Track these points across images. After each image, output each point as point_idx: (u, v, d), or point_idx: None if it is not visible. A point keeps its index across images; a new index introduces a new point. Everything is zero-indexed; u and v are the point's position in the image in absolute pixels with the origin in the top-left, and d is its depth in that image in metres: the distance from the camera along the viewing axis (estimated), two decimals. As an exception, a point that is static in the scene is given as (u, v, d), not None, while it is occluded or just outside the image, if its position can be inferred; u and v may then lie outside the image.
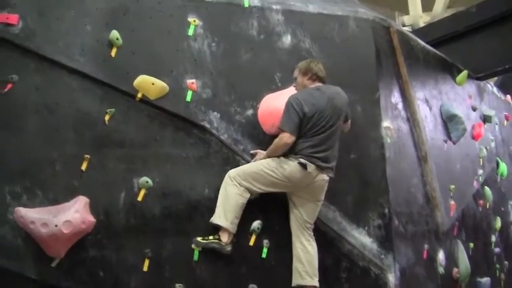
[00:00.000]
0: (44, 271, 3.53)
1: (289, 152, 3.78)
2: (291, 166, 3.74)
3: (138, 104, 3.85)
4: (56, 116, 3.70)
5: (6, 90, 3.62)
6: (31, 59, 3.70)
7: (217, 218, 3.75)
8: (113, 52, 3.83)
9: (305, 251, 3.90)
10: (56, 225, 3.40)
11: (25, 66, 3.70)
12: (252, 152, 4.02)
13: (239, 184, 3.77)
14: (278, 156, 3.82)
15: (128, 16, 3.94)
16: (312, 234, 3.96)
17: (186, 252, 3.80)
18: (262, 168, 3.78)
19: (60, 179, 3.65)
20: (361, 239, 4.26)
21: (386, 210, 4.35)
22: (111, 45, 3.83)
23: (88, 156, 3.69)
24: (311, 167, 3.73)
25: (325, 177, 3.86)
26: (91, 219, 3.59)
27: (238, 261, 3.90)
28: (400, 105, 4.80)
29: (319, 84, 3.96)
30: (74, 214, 3.49)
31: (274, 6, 4.37)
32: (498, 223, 6.33)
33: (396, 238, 4.37)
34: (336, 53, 4.48)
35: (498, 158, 6.63)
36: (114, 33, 3.82)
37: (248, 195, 3.80)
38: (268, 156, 3.88)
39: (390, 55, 4.81)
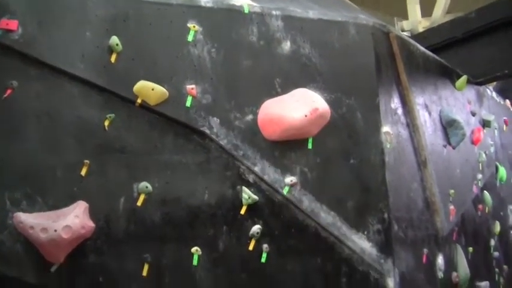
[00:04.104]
0: (44, 277, 3.54)
1: None
2: None
3: (139, 110, 3.86)
4: (56, 123, 3.71)
5: (5, 96, 3.63)
6: (31, 65, 3.71)
7: None
8: (113, 58, 3.84)
9: None
10: (56, 230, 3.41)
11: (25, 73, 3.70)
12: None
13: None
14: None
15: (127, 22, 3.94)
16: None
17: (185, 258, 3.82)
18: None
19: (60, 185, 3.66)
20: (361, 243, 4.24)
21: (386, 215, 4.34)
22: (111, 51, 3.84)
23: (88, 161, 3.71)
24: None
25: None
26: (91, 224, 3.60)
27: (238, 266, 3.92)
28: (399, 111, 4.80)
29: None
30: (73, 219, 3.49)
31: (274, 12, 4.37)
32: (497, 228, 6.34)
33: (396, 243, 4.37)
34: (335, 59, 4.47)
35: (497, 163, 6.63)
36: (114, 39, 3.81)
37: None
38: None
39: (390, 61, 4.81)
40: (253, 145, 4.09)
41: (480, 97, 6.39)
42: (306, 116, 4.07)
